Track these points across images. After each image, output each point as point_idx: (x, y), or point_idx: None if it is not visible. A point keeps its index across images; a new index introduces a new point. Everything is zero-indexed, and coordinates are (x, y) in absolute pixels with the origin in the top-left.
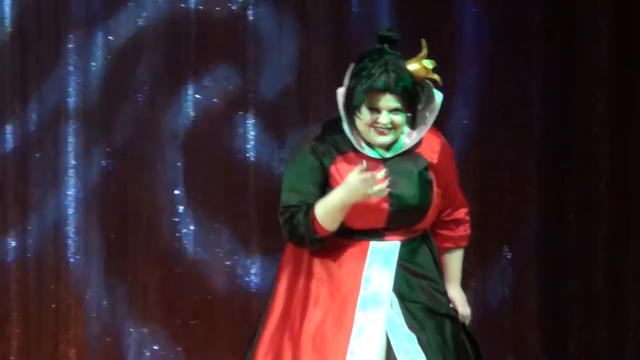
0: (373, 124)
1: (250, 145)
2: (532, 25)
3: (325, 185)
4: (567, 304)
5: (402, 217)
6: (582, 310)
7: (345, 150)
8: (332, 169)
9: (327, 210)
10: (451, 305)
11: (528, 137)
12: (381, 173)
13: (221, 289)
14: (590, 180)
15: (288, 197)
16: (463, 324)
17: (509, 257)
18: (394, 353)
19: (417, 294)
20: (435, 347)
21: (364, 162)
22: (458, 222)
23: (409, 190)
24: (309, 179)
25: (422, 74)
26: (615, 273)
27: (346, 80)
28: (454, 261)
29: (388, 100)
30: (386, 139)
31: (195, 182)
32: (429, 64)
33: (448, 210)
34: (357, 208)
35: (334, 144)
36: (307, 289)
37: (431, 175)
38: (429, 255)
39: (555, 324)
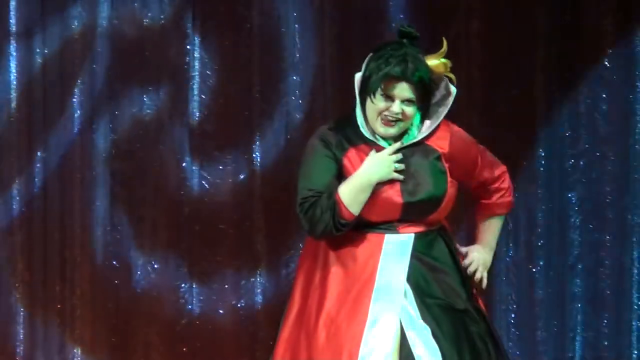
0: (383, 112)
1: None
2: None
3: (339, 176)
4: None
5: (416, 208)
6: None
7: (357, 142)
8: (345, 161)
9: (351, 191)
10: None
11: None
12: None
13: None
14: None
15: (306, 188)
16: (488, 325)
17: None
18: (408, 344)
19: (433, 289)
20: (450, 340)
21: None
22: (492, 191)
23: (422, 182)
24: (324, 169)
25: (441, 69)
26: None
27: (364, 66)
28: (487, 227)
29: (403, 90)
30: (391, 130)
31: None
32: (446, 62)
33: (483, 187)
34: (372, 200)
35: (345, 136)
36: (323, 286)
37: (444, 165)
38: (445, 249)
39: None
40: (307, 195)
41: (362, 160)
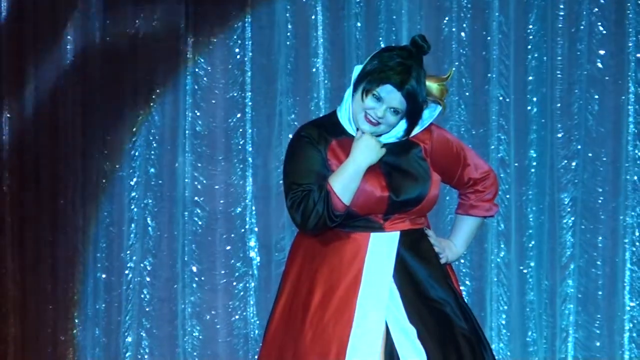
0: (368, 110)
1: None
2: None
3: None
4: None
5: (401, 200)
6: None
7: (339, 135)
8: (329, 154)
9: (343, 180)
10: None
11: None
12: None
13: None
14: None
15: (295, 183)
16: (473, 324)
17: None
18: (393, 345)
19: (420, 288)
20: (436, 341)
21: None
22: (471, 193)
23: (405, 173)
24: (311, 163)
25: (437, 94)
26: None
27: (368, 60)
28: (460, 224)
29: (394, 99)
30: (373, 128)
31: None
32: (446, 89)
33: (463, 188)
34: (359, 193)
35: (326, 130)
36: (309, 285)
37: (426, 158)
38: (430, 246)
39: None
40: (296, 190)
41: (345, 153)
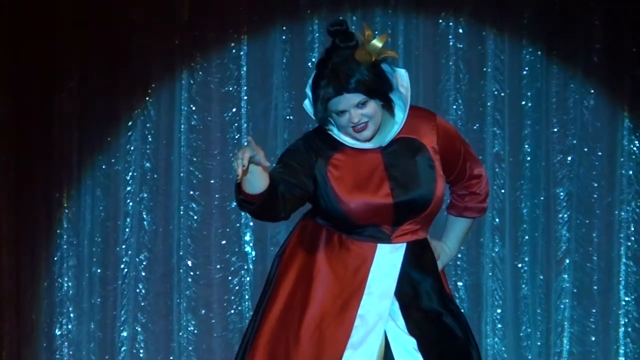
0: (349, 124)
1: None
2: None
3: (314, 180)
4: None
5: (407, 206)
6: None
7: (342, 147)
8: (330, 167)
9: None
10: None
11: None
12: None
13: None
14: None
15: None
16: (466, 330)
17: None
18: (392, 356)
19: (420, 300)
20: (435, 352)
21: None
22: (466, 194)
23: (411, 179)
24: (295, 158)
25: (369, 58)
26: None
27: (309, 93)
28: (453, 225)
29: (348, 100)
30: (367, 132)
31: None
32: (376, 44)
33: (458, 185)
34: (363, 206)
35: (328, 143)
36: (309, 289)
37: (433, 158)
38: (433, 258)
39: None
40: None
41: (348, 165)
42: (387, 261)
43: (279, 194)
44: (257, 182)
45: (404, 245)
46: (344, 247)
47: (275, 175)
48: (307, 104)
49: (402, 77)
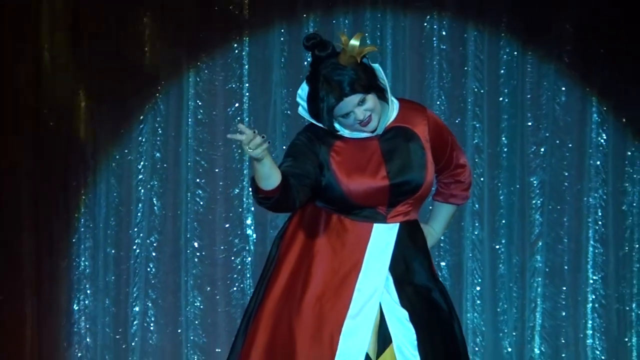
0: (356, 122)
1: None
2: None
3: (321, 168)
4: None
5: (402, 187)
6: None
7: (341, 136)
8: (332, 153)
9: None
10: None
11: None
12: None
13: None
14: None
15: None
16: (450, 307)
17: None
18: (386, 326)
19: (411, 275)
20: (424, 324)
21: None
22: (452, 182)
23: (405, 161)
24: (300, 150)
25: (353, 60)
26: None
27: (302, 103)
28: (439, 211)
29: (349, 103)
30: (373, 123)
31: None
32: (354, 44)
33: (445, 173)
34: (361, 188)
35: (329, 132)
36: (310, 266)
37: (424, 147)
38: (423, 238)
39: None
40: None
41: (348, 151)
42: (383, 239)
43: (292, 186)
44: (271, 177)
45: (398, 225)
46: (342, 227)
47: (285, 170)
48: (302, 111)
49: (379, 71)
